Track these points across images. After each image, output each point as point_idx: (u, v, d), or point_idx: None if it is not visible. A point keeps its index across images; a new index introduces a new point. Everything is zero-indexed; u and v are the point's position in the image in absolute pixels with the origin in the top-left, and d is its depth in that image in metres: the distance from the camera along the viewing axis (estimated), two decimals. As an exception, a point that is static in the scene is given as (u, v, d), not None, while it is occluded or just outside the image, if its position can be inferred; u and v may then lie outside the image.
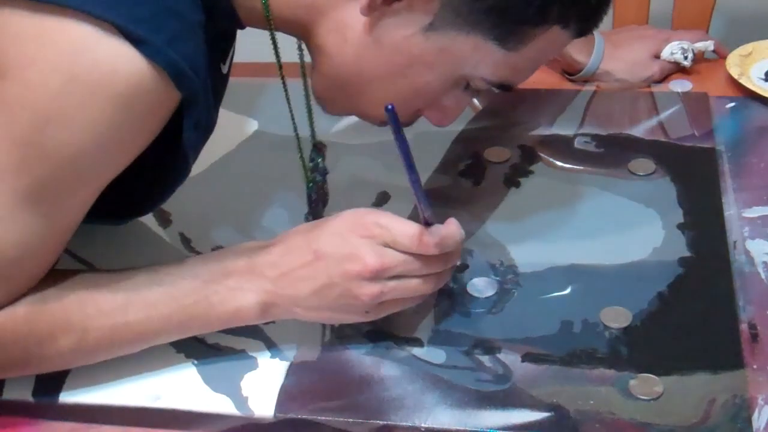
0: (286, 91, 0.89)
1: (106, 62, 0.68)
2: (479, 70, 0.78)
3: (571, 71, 1.18)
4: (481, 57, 0.77)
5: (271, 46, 0.84)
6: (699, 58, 1.21)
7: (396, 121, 0.70)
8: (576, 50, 1.16)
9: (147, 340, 0.81)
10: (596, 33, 1.16)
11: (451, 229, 0.78)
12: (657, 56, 1.18)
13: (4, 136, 0.70)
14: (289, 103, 0.90)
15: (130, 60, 0.68)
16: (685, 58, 1.17)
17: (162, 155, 0.77)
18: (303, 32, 0.81)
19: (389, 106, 0.68)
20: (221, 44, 0.79)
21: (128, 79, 0.68)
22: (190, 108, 0.73)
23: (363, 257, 0.76)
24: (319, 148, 0.99)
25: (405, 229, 0.77)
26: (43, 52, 0.68)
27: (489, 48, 0.76)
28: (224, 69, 0.86)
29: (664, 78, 1.18)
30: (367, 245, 0.76)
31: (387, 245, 0.77)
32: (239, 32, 0.86)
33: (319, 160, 0.98)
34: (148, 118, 0.72)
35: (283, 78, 0.87)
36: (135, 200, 0.81)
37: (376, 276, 0.76)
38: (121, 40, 0.68)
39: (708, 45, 1.19)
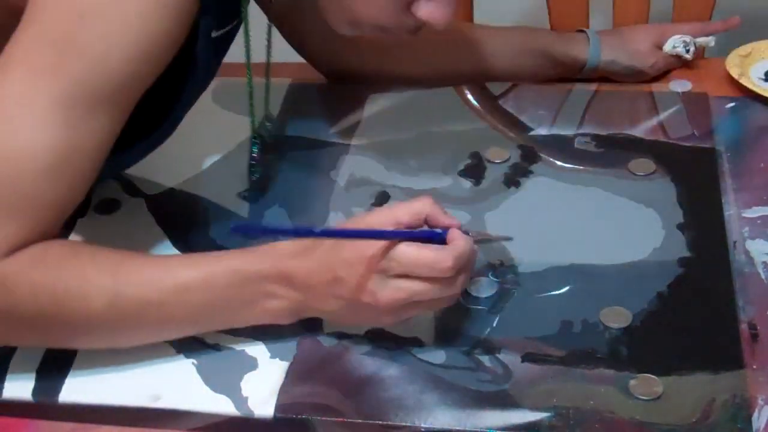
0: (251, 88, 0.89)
1: None
2: None
3: (574, 71, 1.18)
4: None
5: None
6: (699, 56, 1.21)
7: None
8: (572, 49, 1.16)
9: (173, 325, 0.80)
10: (587, 30, 1.17)
11: (461, 245, 0.77)
12: (659, 48, 1.18)
13: (40, 37, 0.72)
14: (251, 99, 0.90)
15: None
16: (687, 51, 1.17)
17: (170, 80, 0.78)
18: None
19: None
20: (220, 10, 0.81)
21: None
22: (205, 17, 0.76)
23: (375, 293, 0.76)
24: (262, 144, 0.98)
25: (416, 253, 0.76)
26: None
27: None
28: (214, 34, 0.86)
29: (667, 72, 1.18)
30: (377, 280, 0.76)
31: (402, 276, 0.76)
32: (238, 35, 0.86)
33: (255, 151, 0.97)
34: (175, 17, 0.74)
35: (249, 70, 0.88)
36: (149, 124, 0.82)
37: (390, 308, 0.77)
38: None
39: (709, 41, 1.19)
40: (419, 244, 0.76)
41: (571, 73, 1.17)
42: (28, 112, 0.72)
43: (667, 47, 1.17)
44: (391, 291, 0.76)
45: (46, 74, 0.72)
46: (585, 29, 1.18)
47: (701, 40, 1.19)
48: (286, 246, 0.80)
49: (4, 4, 0.77)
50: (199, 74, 0.80)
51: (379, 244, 0.76)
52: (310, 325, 0.86)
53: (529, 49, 1.17)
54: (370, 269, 0.76)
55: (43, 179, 0.74)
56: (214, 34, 0.84)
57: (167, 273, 0.79)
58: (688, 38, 1.18)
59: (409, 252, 0.76)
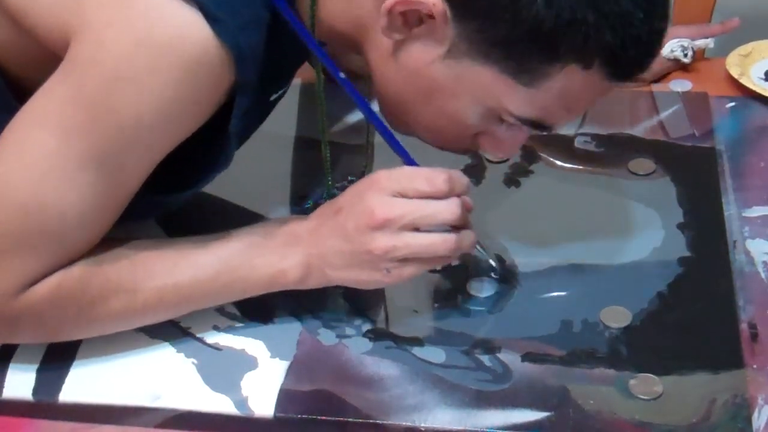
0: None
1: (178, 28, 0.72)
2: (503, 104, 0.77)
3: None
4: (500, 90, 0.76)
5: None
6: (699, 56, 1.21)
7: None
8: None
9: (193, 302, 0.83)
10: None
11: (457, 172, 0.80)
12: None
13: (74, 96, 0.74)
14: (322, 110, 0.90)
15: (200, 31, 0.72)
16: (685, 55, 1.17)
17: (206, 143, 0.80)
18: (357, 49, 0.82)
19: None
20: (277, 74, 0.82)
21: (195, 47, 0.73)
22: (242, 95, 0.77)
23: (372, 208, 0.78)
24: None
25: (412, 170, 0.80)
26: (121, 14, 0.73)
27: (506, 81, 0.75)
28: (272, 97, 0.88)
29: (665, 75, 1.18)
30: (376, 197, 0.79)
31: (398, 194, 0.78)
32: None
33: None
34: (206, 90, 0.75)
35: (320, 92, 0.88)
36: (175, 184, 0.84)
37: (385, 226, 0.78)
38: (197, 13, 0.72)
39: (708, 43, 1.19)
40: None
41: None
42: (59, 171, 0.75)
43: (665, 51, 1.17)
44: (387, 206, 0.78)
45: (78, 134, 0.74)
46: None
47: (700, 42, 1.19)
48: (292, 215, 0.84)
49: (42, 46, 0.79)
50: (232, 144, 0.81)
51: (380, 172, 0.80)
52: (310, 325, 0.86)
53: None
54: (368, 189, 0.79)
55: (70, 228, 0.77)
56: (273, 97, 0.87)
57: (181, 257, 0.82)
58: (686, 42, 1.18)
59: (406, 169, 0.81)
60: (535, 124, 0.79)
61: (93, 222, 0.78)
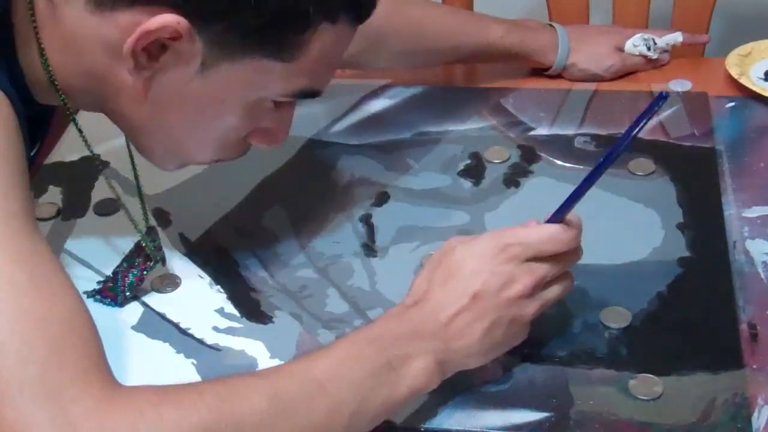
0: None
1: None
2: (272, 89, 0.78)
3: (542, 68, 1.18)
4: (265, 77, 0.77)
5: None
6: (698, 55, 1.21)
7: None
8: (542, 49, 1.16)
9: (344, 410, 0.71)
10: (558, 27, 1.17)
11: (578, 219, 0.80)
12: (621, 50, 1.18)
13: None
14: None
15: None
16: (649, 48, 1.17)
17: None
18: (100, 102, 0.80)
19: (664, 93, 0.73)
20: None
21: None
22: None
23: (519, 279, 0.76)
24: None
25: (543, 235, 0.78)
26: None
27: (268, 66, 0.76)
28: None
29: (632, 72, 1.18)
30: (516, 267, 0.77)
31: (531, 259, 0.77)
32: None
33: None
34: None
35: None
36: None
37: (535, 290, 0.77)
38: None
39: (676, 37, 1.19)
40: (535, 225, 0.79)
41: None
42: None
43: (628, 47, 1.17)
44: (529, 272, 0.77)
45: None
46: (557, 29, 1.17)
47: (668, 37, 1.18)
48: (395, 308, 0.78)
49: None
50: None
51: (497, 240, 0.78)
52: (310, 326, 0.86)
53: (498, 51, 1.16)
54: (504, 261, 0.77)
55: (67, 328, 0.66)
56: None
57: (313, 361, 0.72)
58: (648, 35, 1.17)
59: (531, 232, 0.78)
60: (304, 94, 0.80)
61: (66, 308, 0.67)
